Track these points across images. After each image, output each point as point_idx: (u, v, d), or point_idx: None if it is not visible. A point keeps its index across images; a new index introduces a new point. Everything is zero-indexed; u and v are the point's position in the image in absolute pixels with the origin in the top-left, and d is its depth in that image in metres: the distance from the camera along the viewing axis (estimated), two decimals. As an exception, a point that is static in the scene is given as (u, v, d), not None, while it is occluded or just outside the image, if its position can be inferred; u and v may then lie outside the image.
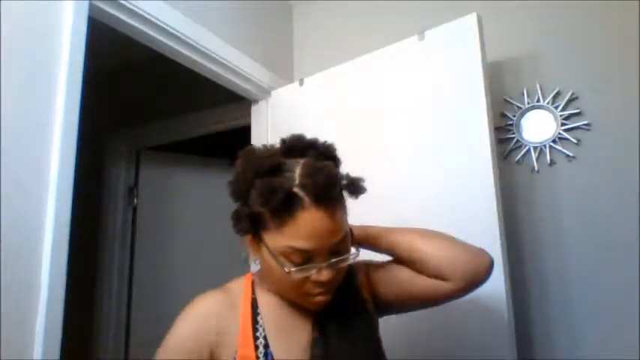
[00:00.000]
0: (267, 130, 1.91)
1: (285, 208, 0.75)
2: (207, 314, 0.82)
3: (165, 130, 2.51)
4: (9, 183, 0.99)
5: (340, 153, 0.89)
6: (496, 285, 1.28)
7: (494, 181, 1.34)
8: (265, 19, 2.01)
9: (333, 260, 0.79)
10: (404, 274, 0.91)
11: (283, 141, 0.86)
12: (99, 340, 2.37)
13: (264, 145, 0.86)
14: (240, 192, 0.81)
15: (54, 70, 1.12)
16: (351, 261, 0.84)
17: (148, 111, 2.55)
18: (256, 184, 0.76)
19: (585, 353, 1.40)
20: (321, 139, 0.87)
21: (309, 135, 0.88)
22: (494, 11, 1.63)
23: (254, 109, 1.97)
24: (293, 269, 0.77)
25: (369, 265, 0.97)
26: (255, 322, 0.82)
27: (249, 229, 0.80)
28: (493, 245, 1.30)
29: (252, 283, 0.89)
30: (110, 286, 2.43)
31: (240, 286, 0.88)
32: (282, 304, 0.86)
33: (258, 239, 0.81)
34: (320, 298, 0.81)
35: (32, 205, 1.03)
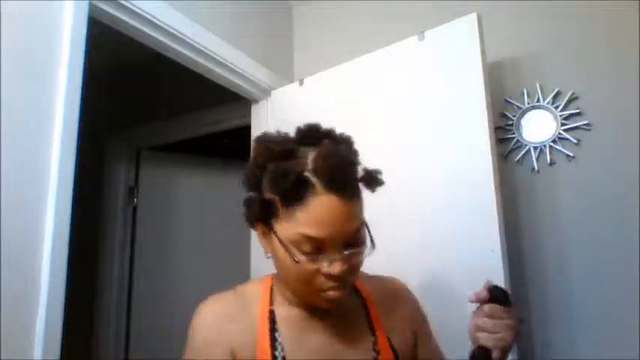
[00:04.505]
0: (268, 130, 1.90)
1: (295, 192, 0.72)
2: (219, 319, 0.79)
3: (165, 130, 2.50)
4: (9, 183, 0.99)
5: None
6: (496, 285, 1.28)
7: (494, 181, 1.34)
8: (265, 19, 2.01)
9: (347, 252, 0.74)
10: None
11: (299, 129, 0.83)
12: (99, 340, 2.37)
13: (279, 132, 0.82)
14: (251, 179, 0.79)
15: (54, 70, 1.12)
16: (366, 256, 0.78)
17: (148, 111, 2.55)
18: (268, 169, 0.75)
19: (585, 354, 1.40)
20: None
21: None
22: (494, 11, 1.63)
23: (254, 109, 1.97)
24: (303, 258, 0.72)
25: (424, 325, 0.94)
26: (273, 338, 0.77)
27: (260, 215, 0.77)
28: (493, 245, 1.30)
29: (272, 289, 0.84)
30: (110, 287, 2.42)
31: (256, 290, 0.84)
32: (301, 317, 0.82)
33: (268, 229, 0.77)
34: (332, 294, 0.75)
35: (32, 205, 1.03)
